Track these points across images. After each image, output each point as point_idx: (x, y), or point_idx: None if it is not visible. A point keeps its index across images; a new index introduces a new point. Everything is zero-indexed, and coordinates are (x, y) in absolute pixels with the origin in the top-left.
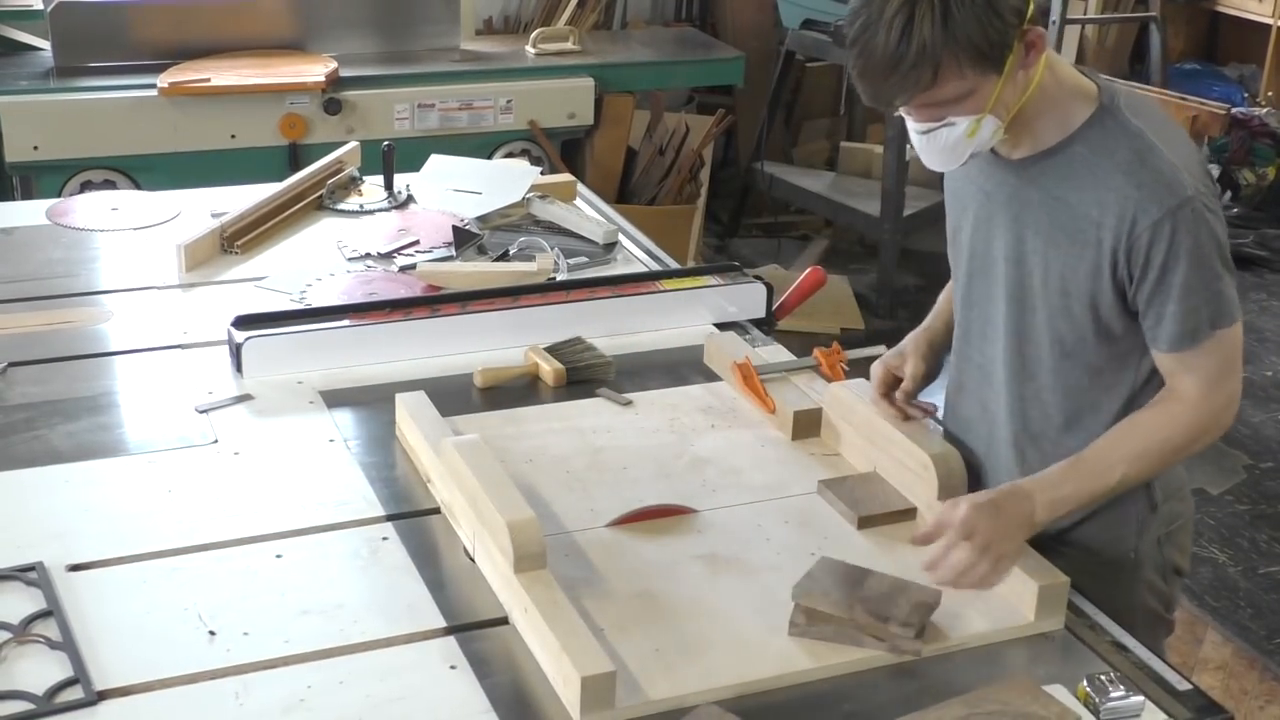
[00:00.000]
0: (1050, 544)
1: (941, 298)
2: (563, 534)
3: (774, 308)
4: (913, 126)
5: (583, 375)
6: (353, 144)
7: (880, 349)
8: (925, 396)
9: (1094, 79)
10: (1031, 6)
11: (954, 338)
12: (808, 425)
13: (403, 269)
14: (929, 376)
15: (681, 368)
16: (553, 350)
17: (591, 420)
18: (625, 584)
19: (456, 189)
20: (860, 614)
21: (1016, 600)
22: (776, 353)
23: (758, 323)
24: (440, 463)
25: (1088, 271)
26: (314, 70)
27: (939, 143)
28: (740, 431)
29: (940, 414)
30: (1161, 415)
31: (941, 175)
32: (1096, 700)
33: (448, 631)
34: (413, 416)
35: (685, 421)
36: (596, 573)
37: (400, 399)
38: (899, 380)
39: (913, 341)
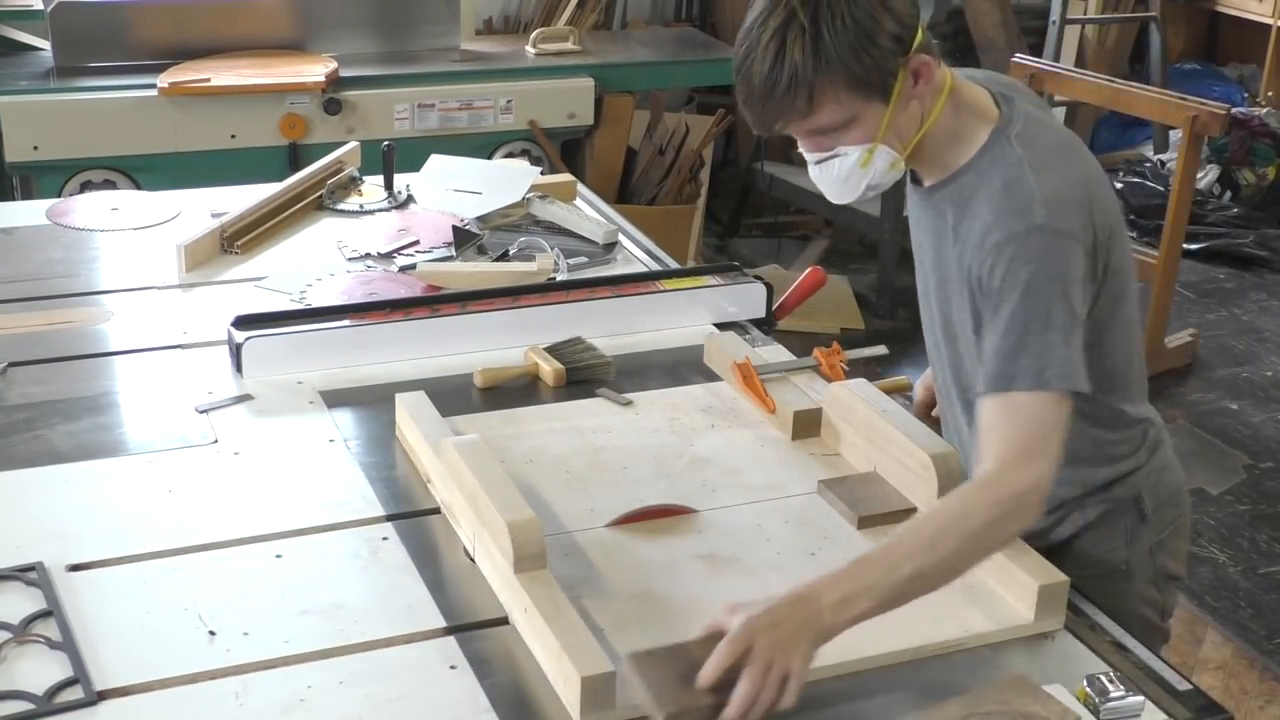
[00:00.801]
0: (1041, 554)
1: None
2: (563, 534)
3: (774, 308)
4: (807, 156)
5: (583, 375)
6: (353, 144)
7: (880, 349)
8: None
9: (1001, 102)
10: (920, 35)
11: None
12: (808, 425)
13: (403, 269)
14: None
15: (681, 368)
16: (553, 350)
17: (591, 420)
18: (625, 584)
19: (456, 189)
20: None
21: (1016, 600)
22: (776, 353)
23: (758, 323)
24: (440, 463)
25: (962, 294)
26: (314, 70)
27: (832, 173)
28: (740, 431)
29: None
30: (957, 496)
31: None
32: (1096, 700)
33: (448, 631)
34: (413, 416)
35: (685, 421)
36: (596, 573)
37: (400, 399)
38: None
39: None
